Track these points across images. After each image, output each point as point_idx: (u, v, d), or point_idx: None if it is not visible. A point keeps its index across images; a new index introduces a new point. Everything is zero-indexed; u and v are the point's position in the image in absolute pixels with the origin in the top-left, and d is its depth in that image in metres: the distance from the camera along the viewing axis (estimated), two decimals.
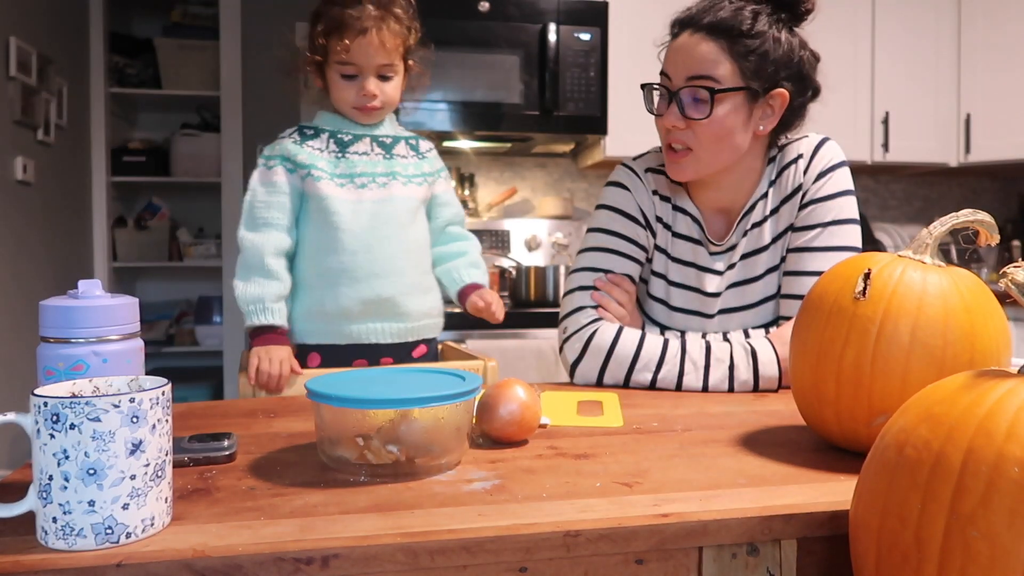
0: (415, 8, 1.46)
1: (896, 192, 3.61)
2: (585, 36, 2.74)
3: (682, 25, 1.19)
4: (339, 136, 1.46)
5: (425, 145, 1.56)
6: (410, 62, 1.48)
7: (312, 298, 1.44)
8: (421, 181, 1.51)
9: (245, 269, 1.41)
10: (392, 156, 1.48)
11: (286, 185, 1.42)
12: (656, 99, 1.23)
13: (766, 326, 1.25)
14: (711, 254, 1.28)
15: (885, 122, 3.12)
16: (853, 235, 1.21)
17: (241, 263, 1.42)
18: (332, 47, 1.39)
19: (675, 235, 1.30)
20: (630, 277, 1.28)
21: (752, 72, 1.15)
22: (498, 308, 1.50)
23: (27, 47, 2.98)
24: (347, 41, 1.37)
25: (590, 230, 1.32)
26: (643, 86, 1.24)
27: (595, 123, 2.78)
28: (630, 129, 2.80)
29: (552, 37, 2.70)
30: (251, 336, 1.39)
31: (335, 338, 1.45)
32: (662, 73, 1.20)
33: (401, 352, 1.49)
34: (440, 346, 1.62)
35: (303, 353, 1.46)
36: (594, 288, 1.25)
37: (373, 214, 1.43)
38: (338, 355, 1.44)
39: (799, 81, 1.19)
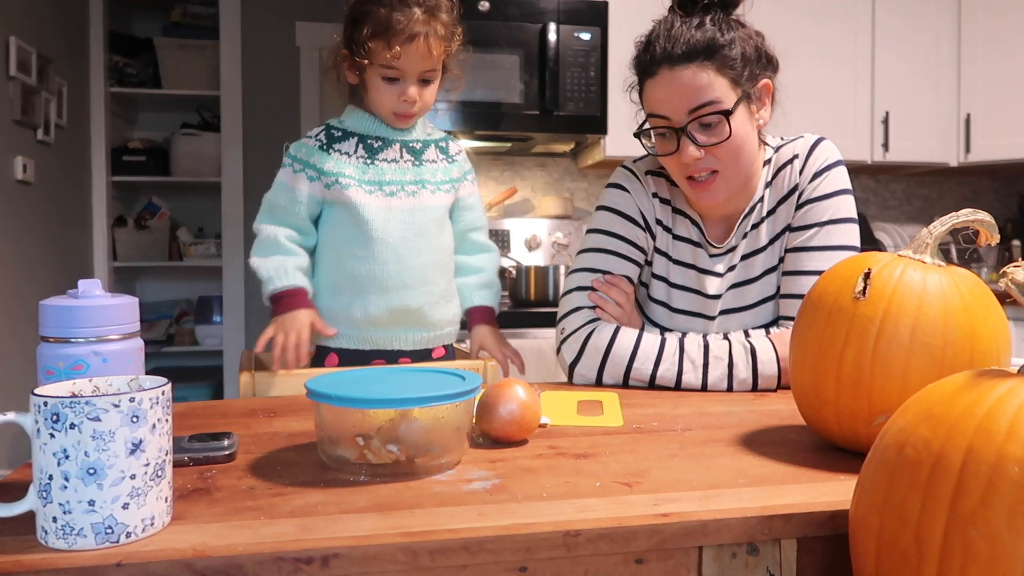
0: (458, 12, 1.43)
1: (896, 192, 3.61)
2: (585, 36, 2.74)
3: (655, 63, 1.15)
4: (368, 142, 1.44)
5: (455, 148, 1.53)
6: (449, 66, 1.46)
7: (338, 303, 1.42)
8: (449, 188, 1.49)
9: (263, 248, 1.41)
10: (421, 163, 1.46)
11: (304, 195, 1.41)
12: (655, 141, 1.21)
13: (766, 326, 1.25)
14: (711, 256, 1.28)
15: (885, 122, 3.12)
16: (851, 234, 1.21)
17: (257, 244, 1.42)
18: (378, 50, 1.35)
19: (675, 237, 1.30)
20: (628, 278, 1.28)
21: (740, 78, 1.15)
22: (511, 362, 1.48)
23: (27, 47, 2.98)
24: (398, 48, 1.34)
25: (589, 231, 1.32)
26: (637, 134, 1.23)
27: (595, 123, 2.78)
28: (630, 129, 2.79)
29: (552, 37, 2.70)
30: (273, 304, 1.38)
31: (358, 343, 1.43)
32: (653, 116, 1.19)
33: (421, 356, 1.48)
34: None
35: (321, 354, 1.45)
36: (592, 289, 1.25)
37: (404, 223, 1.42)
38: (358, 358, 1.44)
39: (768, 63, 1.20)
